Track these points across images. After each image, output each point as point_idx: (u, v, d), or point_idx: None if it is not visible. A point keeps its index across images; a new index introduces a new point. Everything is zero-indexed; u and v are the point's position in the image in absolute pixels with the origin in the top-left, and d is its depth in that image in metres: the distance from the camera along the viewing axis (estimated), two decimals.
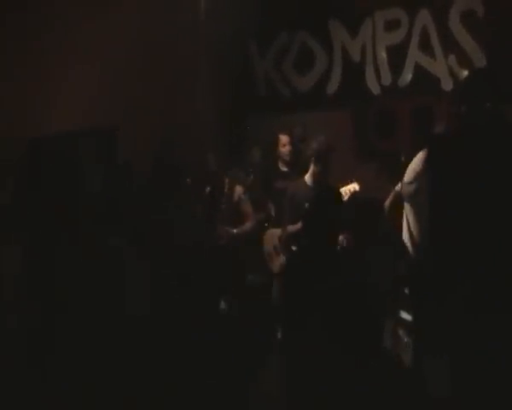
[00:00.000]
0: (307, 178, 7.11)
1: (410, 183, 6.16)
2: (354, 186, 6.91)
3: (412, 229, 6.27)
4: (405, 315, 6.15)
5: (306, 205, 6.47)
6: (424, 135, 6.39)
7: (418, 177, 6.07)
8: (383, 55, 8.50)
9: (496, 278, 4.17)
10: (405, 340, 5.83)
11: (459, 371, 4.17)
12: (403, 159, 6.60)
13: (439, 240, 4.50)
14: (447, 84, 7.94)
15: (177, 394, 4.97)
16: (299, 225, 6.74)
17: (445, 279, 4.42)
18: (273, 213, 7.74)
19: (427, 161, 5.56)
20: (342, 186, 7.05)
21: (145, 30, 8.49)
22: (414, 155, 6.47)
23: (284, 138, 7.75)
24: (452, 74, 7.89)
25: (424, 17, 8.15)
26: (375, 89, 8.57)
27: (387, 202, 6.74)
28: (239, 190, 7.47)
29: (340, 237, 6.52)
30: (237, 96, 9.38)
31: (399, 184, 6.57)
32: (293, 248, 7.19)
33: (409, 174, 6.25)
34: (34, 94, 7.83)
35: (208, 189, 7.53)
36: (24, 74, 7.77)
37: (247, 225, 7.50)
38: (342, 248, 6.47)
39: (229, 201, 7.46)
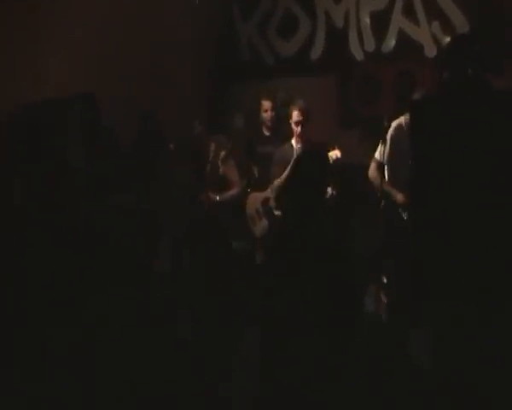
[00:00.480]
0: (293, 141, 7.27)
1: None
2: (336, 153, 6.92)
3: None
4: (388, 281, 6.22)
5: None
6: (406, 100, 6.41)
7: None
8: (367, 20, 8.48)
9: (479, 245, 4.20)
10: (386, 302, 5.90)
11: (441, 341, 4.21)
12: (386, 124, 6.61)
13: (422, 207, 4.52)
14: (430, 51, 7.95)
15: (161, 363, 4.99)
16: (281, 182, 6.87)
17: (428, 246, 4.44)
18: (256, 177, 7.75)
19: (409, 127, 5.59)
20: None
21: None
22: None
23: (266, 104, 7.76)
24: (436, 41, 7.89)
25: None
26: (358, 55, 8.57)
27: (370, 171, 6.81)
28: (224, 155, 7.50)
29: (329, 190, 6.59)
30: (220, 62, 9.36)
31: (378, 152, 6.66)
32: (276, 212, 7.24)
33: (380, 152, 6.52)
34: (16, 62, 7.76)
35: (192, 154, 7.54)
36: (4, 43, 7.68)
37: (233, 192, 7.56)
38: (330, 198, 6.55)
39: (215, 166, 7.50)
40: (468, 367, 3.89)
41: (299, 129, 7.21)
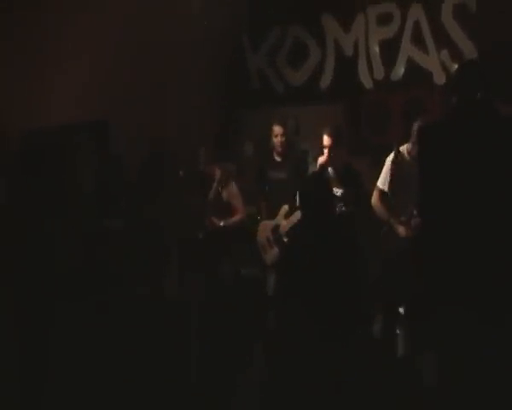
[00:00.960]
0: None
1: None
2: None
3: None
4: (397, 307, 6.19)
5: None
6: (415, 126, 6.42)
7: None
8: (376, 49, 8.53)
9: (487, 267, 4.19)
10: (396, 331, 5.87)
11: (447, 360, 4.20)
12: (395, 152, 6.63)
13: (430, 229, 4.52)
14: (440, 79, 7.97)
15: (168, 382, 4.97)
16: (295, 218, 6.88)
17: (436, 271, 4.43)
18: (266, 204, 7.74)
19: (416, 152, 5.59)
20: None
21: (138, 24, 8.48)
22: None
23: (277, 129, 7.74)
24: (445, 68, 7.93)
25: (416, 11, 8.18)
26: (367, 83, 8.60)
27: (373, 200, 6.84)
28: (225, 181, 7.55)
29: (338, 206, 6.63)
30: (230, 91, 9.40)
31: (381, 180, 6.69)
32: (285, 239, 7.23)
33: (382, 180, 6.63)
34: (25, 88, 7.81)
35: (199, 181, 7.58)
36: (14, 68, 7.75)
37: (236, 218, 7.62)
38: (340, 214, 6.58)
39: (217, 192, 7.54)
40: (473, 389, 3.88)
41: (326, 153, 7.12)
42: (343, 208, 6.74)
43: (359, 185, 7.03)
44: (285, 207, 7.42)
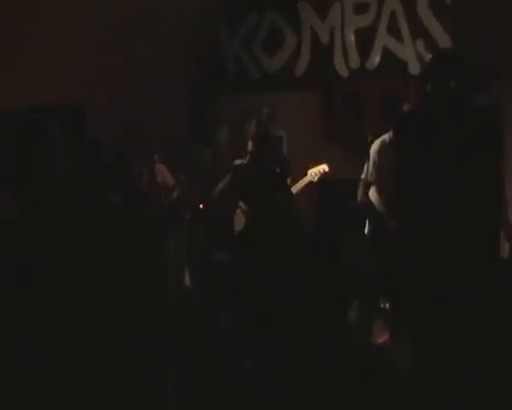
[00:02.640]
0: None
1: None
2: (324, 167, 6.95)
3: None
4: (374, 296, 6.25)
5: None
6: (390, 117, 6.47)
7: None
8: (352, 37, 8.57)
9: (460, 257, 4.26)
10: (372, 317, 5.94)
11: (422, 346, 4.25)
12: (370, 140, 6.66)
13: (404, 217, 4.58)
14: (414, 68, 8.04)
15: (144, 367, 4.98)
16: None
17: (412, 259, 4.49)
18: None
19: (393, 141, 5.65)
20: (312, 167, 7.07)
21: (112, 9, 8.44)
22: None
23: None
24: (420, 58, 7.99)
25: (393, 1, 8.25)
26: (343, 71, 8.64)
27: (359, 194, 6.84)
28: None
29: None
30: (206, 77, 9.39)
31: (364, 174, 6.71)
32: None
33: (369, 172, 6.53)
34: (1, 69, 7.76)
35: None
36: None
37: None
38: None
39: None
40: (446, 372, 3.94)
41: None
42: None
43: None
44: None
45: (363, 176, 6.70)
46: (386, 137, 6.55)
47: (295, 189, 6.92)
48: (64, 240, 6.23)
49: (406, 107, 6.47)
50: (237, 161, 7.03)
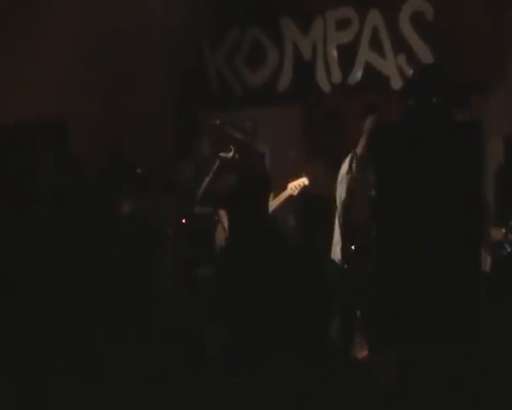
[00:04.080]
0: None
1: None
2: (304, 181, 6.95)
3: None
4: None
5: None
6: (370, 130, 6.45)
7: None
8: (334, 53, 8.59)
9: (443, 266, 4.26)
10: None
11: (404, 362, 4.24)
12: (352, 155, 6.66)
13: (383, 232, 4.58)
14: (396, 83, 8.07)
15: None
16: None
17: (392, 272, 4.49)
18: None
19: (371, 156, 5.65)
20: (292, 181, 7.06)
21: (97, 24, 8.44)
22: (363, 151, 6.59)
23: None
24: (401, 73, 8.01)
25: (375, 17, 8.27)
26: (325, 86, 8.66)
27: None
28: None
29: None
30: (189, 91, 9.38)
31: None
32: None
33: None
34: None
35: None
36: None
37: None
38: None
39: None
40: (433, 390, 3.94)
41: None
42: None
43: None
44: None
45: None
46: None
47: (276, 202, 6.92)
48: (47, 252, 6.20)
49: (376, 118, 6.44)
50: (222, 154, 6.99)
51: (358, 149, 6.51)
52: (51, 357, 5.05)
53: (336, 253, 6.46)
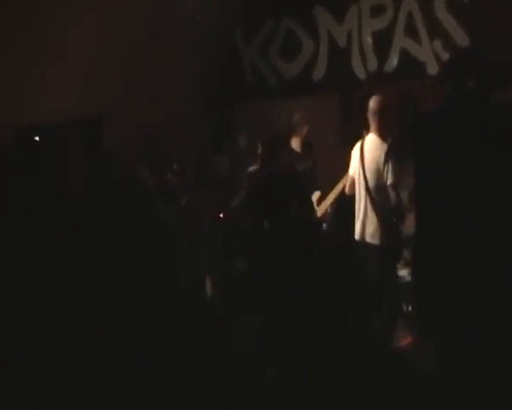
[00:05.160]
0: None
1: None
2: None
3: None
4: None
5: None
6: (409, 118, 6.39)
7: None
8: (369, 40, 8.51)
9: (485, 256, 4.19)
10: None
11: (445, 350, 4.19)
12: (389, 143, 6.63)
13: (425, 219, 4.52)
14: (432, 69, 7.95)
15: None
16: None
17: (433, 261, 4.43)
18: None
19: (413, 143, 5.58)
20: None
21: (131, 19, 8.48)
22: (400, 141, 6.55)
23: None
24: (438, 59, 7.91)
25: (409, 3, 8.17)
26: (361, 74, 8.59)
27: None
28: None
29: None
30: (223, 84, 9.39)
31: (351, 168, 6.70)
32: None
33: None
34: (18, 83, 7.80)
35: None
36: (8, 63, 7.73)
37: None
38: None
39: None
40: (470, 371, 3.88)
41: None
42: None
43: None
44: (317, 193, 7.39)
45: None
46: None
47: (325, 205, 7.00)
48: (81, 251, 6.23)
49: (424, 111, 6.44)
50: (251, 168, 7.06)
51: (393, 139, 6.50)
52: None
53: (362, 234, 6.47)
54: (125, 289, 5.80)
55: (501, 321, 3.97)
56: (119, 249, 6.17)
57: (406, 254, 6.23)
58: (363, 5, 8.55)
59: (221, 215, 7.56)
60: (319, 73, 8.91)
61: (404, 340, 5.67)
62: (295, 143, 7.88)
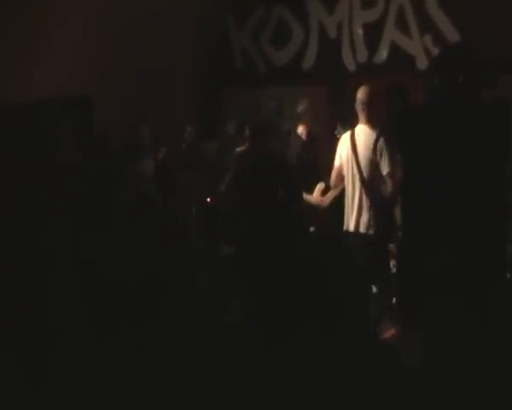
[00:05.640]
0: None
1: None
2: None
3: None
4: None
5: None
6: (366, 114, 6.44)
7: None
8: (359, 32, 8.58)
9: (468, 250, 4.25)
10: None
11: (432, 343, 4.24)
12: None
13: (409, 212, 4.57)
14: (422, 63, 8.03)
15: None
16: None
17: (417, 255, 4.49)
18: None
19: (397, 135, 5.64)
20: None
21: (121, 5, 8.46)
22: (389, 130, 6.58)
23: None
24: (427, 53, 7.98)
25: None
26: (350, 65, 8.65)
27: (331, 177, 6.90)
28: None
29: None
30: (214, 70, 9.41)
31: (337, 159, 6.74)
32: None
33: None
34: (7, 62, 7.78)
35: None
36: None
37: None
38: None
39: None
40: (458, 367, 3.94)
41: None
42: None
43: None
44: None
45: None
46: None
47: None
48: (68, 233, 6.23)
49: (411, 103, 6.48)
50: (238, 150, 7.08)
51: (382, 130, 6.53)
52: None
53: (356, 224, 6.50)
54: (111, 274, 5.82)
55: (485, 314, 4.04)
56: (104, 234, 6.18)
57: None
58: None
59: (208, 200, 7.60)
60: (309, 62, 8.97)
61: (388, 332, 5.73)
62: (301, 131, 7.89)
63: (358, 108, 6.59)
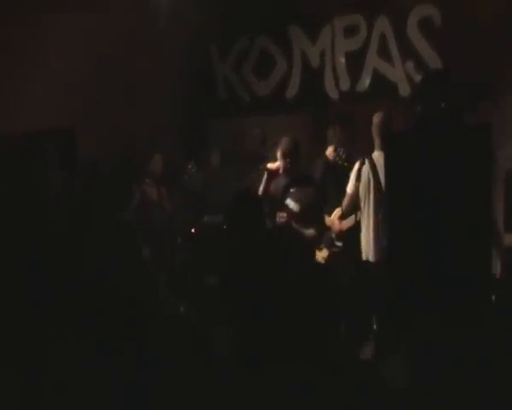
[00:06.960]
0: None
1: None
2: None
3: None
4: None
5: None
6: (381, 138, 6.48)
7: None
8: (342, 60, 8.60)
9: (454, 268, 4.26)
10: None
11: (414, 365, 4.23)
12: (361, 161, 6.69)
13: (395, 236, 4.57)
14: (404, 90, 8.05)
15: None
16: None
17: (404, 278, 4.48)
18: None
19: (384, 161, 5.64)
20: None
21: (104, 31, 8.46)
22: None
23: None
24: (409, 80, 8.00)
25: (382, 24, 8.26)
26: (333, 93, 8.66)
27: (344, 204, 6.89)
28: None
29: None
30: (197, 100, 9.41)
31: (350, 187, 6.73)
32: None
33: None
34: None
35: None
36: None
37: None
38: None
39: None
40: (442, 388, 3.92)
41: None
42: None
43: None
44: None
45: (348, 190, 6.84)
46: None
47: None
48: (61, 260, 6.20)
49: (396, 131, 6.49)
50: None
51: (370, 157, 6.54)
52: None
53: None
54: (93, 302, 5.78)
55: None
56: (92, 260, 6.15)
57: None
58: (336, 25, 8.64)
59: (193, 230, 7.57)
60: (292, 91, 8.99)
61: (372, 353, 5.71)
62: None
63: (374, 132, 6.59)
